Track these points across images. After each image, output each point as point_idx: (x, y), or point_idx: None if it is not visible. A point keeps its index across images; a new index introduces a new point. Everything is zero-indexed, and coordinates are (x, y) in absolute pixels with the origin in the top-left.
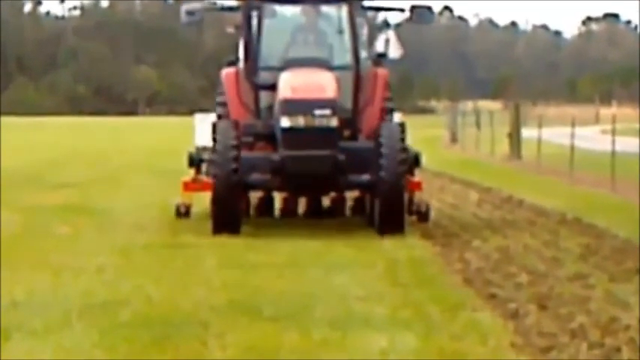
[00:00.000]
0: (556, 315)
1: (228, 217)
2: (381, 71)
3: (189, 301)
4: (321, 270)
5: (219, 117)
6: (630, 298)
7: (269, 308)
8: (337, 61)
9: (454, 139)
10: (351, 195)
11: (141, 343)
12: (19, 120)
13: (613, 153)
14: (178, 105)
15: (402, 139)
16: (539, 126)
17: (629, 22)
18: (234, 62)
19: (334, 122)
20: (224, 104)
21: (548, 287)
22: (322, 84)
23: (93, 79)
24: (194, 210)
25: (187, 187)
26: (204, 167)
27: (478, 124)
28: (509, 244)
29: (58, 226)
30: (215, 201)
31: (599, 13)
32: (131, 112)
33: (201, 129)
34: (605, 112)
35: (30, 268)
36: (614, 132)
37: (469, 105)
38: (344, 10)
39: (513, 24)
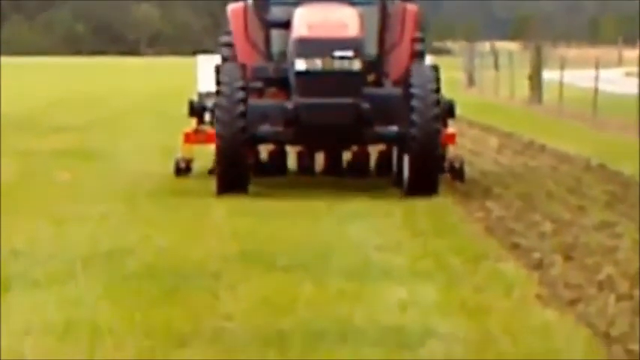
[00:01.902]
0: (582, 265)
1: (234, 173)
2: (411, 6)
3: (199, 251)
4: (335, 219)
5: (225, 59)
6: None
7: (282, 258)
8: None
9: (471, 81)
10: (374, 149)
11: (148, 295)
12: (13, 60)
13: (639, 96)
14: (181, 45)
15: (437, 85)
16: (561, 68)
17: None
18: None
19: (357, 65)
20: (230, 44)
21: (573, 236)
22: (343, 21)
23: (92, 17)
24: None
25: (188, 138)
26: (207, 116)
27: (496, 66)
28: (532, 191)
29: (58, 172)
30: (220, 154)
31: None
32: (132, 52)
33: (204, 72)
34: (629, 53)
35: (30, 216)
36: None
37: (487, 46)
38: None
39: None
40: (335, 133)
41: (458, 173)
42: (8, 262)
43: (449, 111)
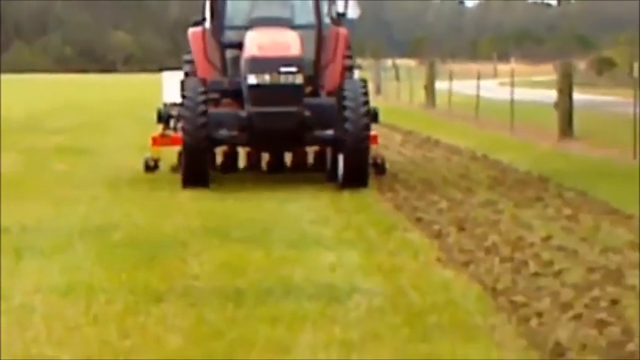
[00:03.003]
0: (472, 235)
1: (197, 171)
2: (342, 30)
3: (170, 226)
4: (277, 201)
5: (187, 75)
6: (533, 220)
7: (236, 231)
8: (300, 21)
9: (379, 90)
10: (310, 150)
11: (132, 261)
12: (17, 77)
13: (512, 101)
14: (149, 64)
15: (366, 95)
16: (450, 79)
17: None
18: (200, 22)
19: (300, 79)
20: (191, 62)
21: (464, 212)
22: (288, 42)
23: (78, 42)
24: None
25: (156, 141)
26: (172, 123)
27: (397, 78)
28: (430, 176)
29: (55, 164)
30: (184, 155)
31: None
32: (110, 70)
33: (168, 86)
34: (502, 67)
35: (34, 199)
36: (513, 84)
37: (389, 62)
38: None
39: None
40: (282, 136)
41: (380, 168)
42: (19, 236)
43: (373, 117)
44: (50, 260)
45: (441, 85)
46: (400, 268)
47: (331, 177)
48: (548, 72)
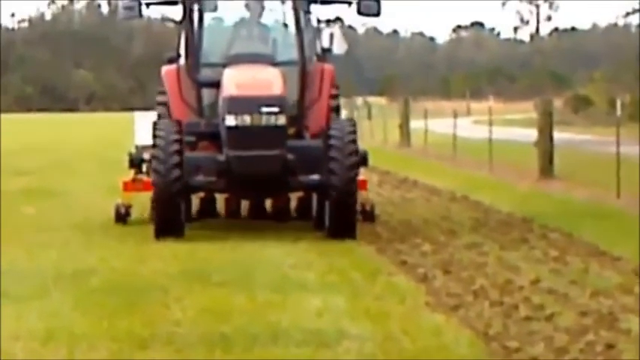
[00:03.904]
0: (459, 278)
1: (170, 219)
2: (327, 67)
3: (148, 270)
4: (256, 244)
5: (160, 116)
6: (520, 263)
7: (216, 275)
8: (282, 57)
9: None
10: (294, 195)
11: (112, 307)
12: None
13: (490, 140)
14: (112, 103)
15: (354, 137)
16: (425, 117)
17: (492, 29)
18: (174, 59)
19: (282, 120)
20: (165, 103)
21: (449, 254)
22: (268, 80)
23: (39, 81)
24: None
25: (127, 187)
26: (144, 167)
27: (370, 116)
28: (411, 218)
29: (23, 207)
30: (156, 202)
31: (467, 22)
32: (72, 109)
33: (141, 127)
34: (475, 105)
35: (4, 243)
36: (491, 122)
37: (359, 100)
38: (288, 3)
39: (395, 31)
40: (263, 182)
41: (368, 215)
42: None
43: (362, 160)
44: (27, 306)
45: (414, 123)
46: (388, 312)
47: (317, 225)
48: (522, 110)
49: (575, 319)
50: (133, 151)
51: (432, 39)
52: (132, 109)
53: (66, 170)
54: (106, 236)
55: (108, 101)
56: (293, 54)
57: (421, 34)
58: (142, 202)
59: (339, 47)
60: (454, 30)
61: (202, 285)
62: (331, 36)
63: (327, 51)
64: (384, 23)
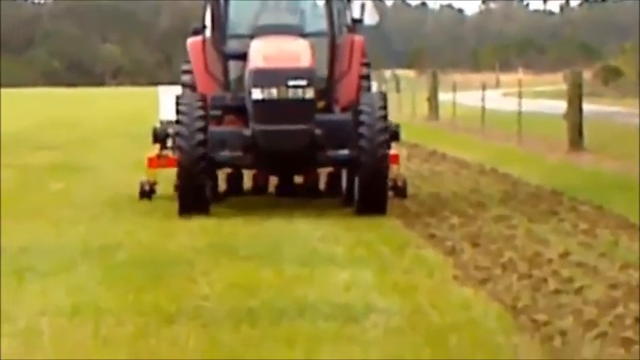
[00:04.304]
0: (487, 251)
1: (195, 195)
2: (358, 38)
3: (174, 244)
4: (282, 218)
5: (185, 89)
6: (548, 235)
7: (244, 249)
8: (311, 28)
9: None
10: (323, 171)
11: (138, 280)
12: (5, 91)
13: (519, 112)
14: (139, 77)
15: (384, 109)
16: (454, 90)
17: (521, 0)
18: (200, 31)
19: (310, 93)
20: (190, 75)
21: (477, 227)
22: (297, 52)
23: (65, 55)
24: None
25: (152, 163)
26: (169, 142)
27: (398, 90)
28: (440, 191)
29: (51, 182)
30: (181, 180)
31: None
32: (99, 83)
33: (165, 102)
34: (504, 77)
35: (32, 219)
36: (520, 94)
37: (388, 73)
38: None
39: (423, 4)
40: (290, 157)
41: (400, 191)
42: (19, 257)
43: (394, 134)
44: (54, 281)
45: (443, 96)
46: (416, 286)
47: (347, 201)
48: (551, 82)
49: (605, 291)
50: (158, 126)
51: (460, 11)
52: (159, 83)
53: (93, 145)
54: (133, 211)
55: (135, 75)
56: (322, 25)
57: (450, 6)
58: (167, 178)
59: (370, 18)
60: (483, 2)
61: (229, 259)
62: (362, 6)
63: (357, 22)
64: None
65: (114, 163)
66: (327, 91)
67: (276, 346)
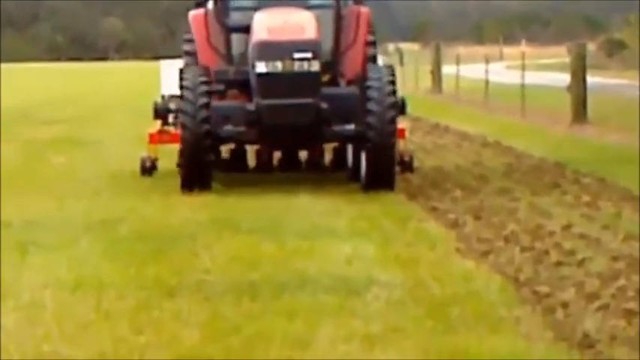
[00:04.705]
0: (490, 224)
1: (198, 171)
2: (364, 10)
3: (177, 218)
4: (284, 192)
5: (187, 63)
6: (551, 208)
7: (245, 223)
8: (315, 0)
9: None
10: (329, 146)
11: (140, 254)
12: (7, 66)
13: (523, 85)
14: (143, 51)
15: (393, 84)
16: (457, 63)
17: None
18: (202, 3)
19: (316, 66)
20: (192, 49)
21: (479, 200)
22: (302, 24)
23: (69, 30)
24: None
25: (153, 139)
26: (171, 118)
27: (401, 63)
28: (442, 164)
29: (54, 157)
30: (184, 157)
31: None
32: (102, 57)
33: (167, 76)
34: (508, 50)
35: (36, 193)
36: (524, 67)
37: (391, 46)
38: None
39: None
40: (296, 132)
41: (407, 166)
42: (24, 231)
43: (400, 108)
44: (56, 255)
45: (446, 69)
46: (418, 259)
47: (353, 177)
48: (555, 55)
49: (607, 264)
50: (159, 101)
51: None
52: (163, 57)
53: (96, 120)
54: (135, 185)
55: (138, 50)
56: None
57: None
58: (169, 153)
59: None
60: None
61: (231, 233)
62: None
63: None
64: None
65: (117, 137)
66: (332, 64)
67: (277, 319)
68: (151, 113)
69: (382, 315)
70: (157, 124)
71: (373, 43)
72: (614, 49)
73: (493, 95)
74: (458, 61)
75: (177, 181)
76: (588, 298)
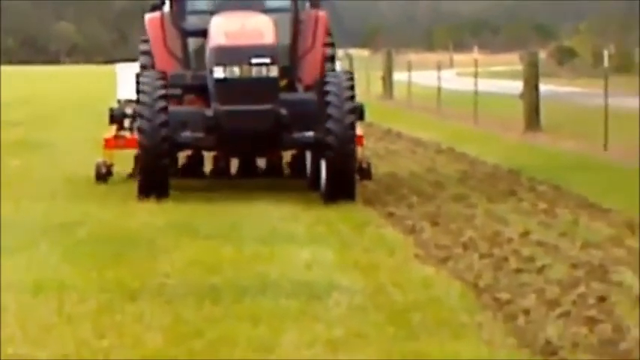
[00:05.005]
0: (447, 230)
1: (155, 178)
2: (321, 14)
3: (135, 222)
4: (241, 197)
5: (144, 67)
6: (508, 215)
7: (204, 228)
8: (272, 4)
9: None
10: (287, 152)
11: (100, 258)
12: None
13: (476, 92)
14: (94, 55)
15: (352, 89)
16: (409, 69)
17: None
18: (158, 6)
19: (275, 72)
20: (148, 53)
21: (436, 206)
22: (259, 28)
23: (20, 33)
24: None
25: (109, 144)
26: (127, 122)
27: (351, 68)
28: (397, 170)
29: (9, 159)
30: (141, 162)
31: None
32: (54, 61)
33: (123, 80)
34: (458, 57)
35: None
36: (476, 74)
37: (340, 52)
38: None
39: None
40: (255, 139)
41: (365, 173)
42: None
43: (359, 114)
44: (16, 258)
45: (396, 75)
46: (378, 264)
47: (312, 184)
48: (506, 62)
49: (567, 271)
50: (115, 105)
51: None
52: (114, 61)
53: (50, 123)
54: (92, 189)
55: (90, 53)
56: (284, 0)
57: None
58: (125, 158)
59: None
60: None
61: (189, 237)
62: None
63: None
64: None
65: (71, 140)
66: (290, 69)
67: (241, 323)
68: (104, 117)
69: (344, 320)
70: (113, 129)
71: (331, 48)
72: (565, 57)
73: (445, 102)
74: (410, 67)
75: (132, 184)
76: (549, 305)
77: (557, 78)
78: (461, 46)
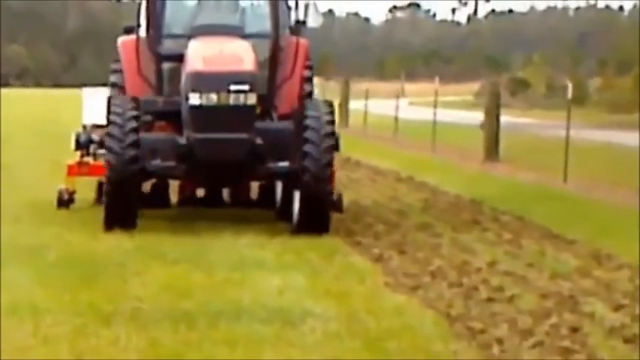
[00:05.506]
0: (415, 259)
1: (123, 209)
2: (302, 41)
3: (103, 246)
4: (207, 224)
5: (114, 90)
6: (474, 245)
7: (172, 253)
8: (252, 29)
9: None
10: (255, 182)
11: (72, 280)
12: None
13: (434, 122)
14: (43, 78)
15: (332, 123)
16: (366, 98)
17: (428, 10)
18: (132, 29)
19: (252, 99)
20: (120, 77)
21: (401, 235)
22: (238, 54)
23: None
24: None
25: (72, 170)
26: (92, 148)
27: None
28: (360, 198)
29: None
30: (109, 185)
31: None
32: (3, 84)
33: (90, 105)
34: (409, 87)
35: None
36: (436, 104)
37: None
38: None
39: (330, 11)
40: (228, 169)
41: (336, 205)
42: None
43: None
44: None
45: (351, 104)
46: (349, 292)
47: (281, 215)
48: (457, 92)
49: (537, 301)
50: (80, 131)
51: (367, 19)
52: (63, 85)
53: (8, 145)
54: (58, 212)
55: (39, 77)
56: (264, 25)
57: (356, 14)
58: (87, 184)
59: (314, 20)
60: (390, 10)
61: (159, 262)
62: (306, 7)
63: (301, 23)
64: (319, 2)
65: (33, 161)
66: (267, 96)
67: (217, 348)
68: (60, 138)
69: (320, 346)
70: (76, 156)
71: (310, 77)
72: (518, 87)
73: (401, 131)
74: (367, 95)
75: (96, 210)
76: (522, 335)
77: (511, 109)
78: (412, 76)
